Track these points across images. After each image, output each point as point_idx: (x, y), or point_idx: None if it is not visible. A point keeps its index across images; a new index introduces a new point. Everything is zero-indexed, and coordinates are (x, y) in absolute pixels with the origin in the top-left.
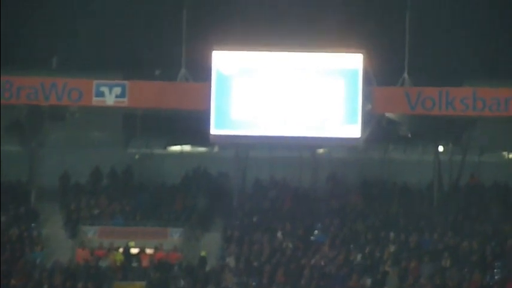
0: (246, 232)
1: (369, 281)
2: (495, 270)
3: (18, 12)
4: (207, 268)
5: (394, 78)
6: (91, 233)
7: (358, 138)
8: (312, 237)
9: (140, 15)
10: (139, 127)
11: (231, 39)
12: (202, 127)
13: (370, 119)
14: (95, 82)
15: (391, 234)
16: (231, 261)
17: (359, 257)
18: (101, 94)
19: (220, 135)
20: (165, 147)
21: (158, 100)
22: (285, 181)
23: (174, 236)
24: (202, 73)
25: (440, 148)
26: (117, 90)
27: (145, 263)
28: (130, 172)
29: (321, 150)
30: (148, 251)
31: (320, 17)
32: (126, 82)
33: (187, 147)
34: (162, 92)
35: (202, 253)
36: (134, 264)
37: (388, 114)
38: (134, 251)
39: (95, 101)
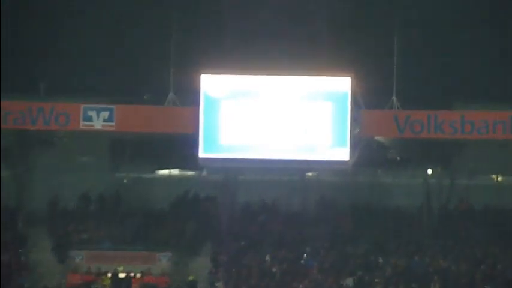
0: (235, 256)
1: None
2: None
3: (5, 37)
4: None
5: (382, 102)
6: (79, 258)
7: (346, 161)
8: (301, 261)
9: (128, 39)
10: (128, 151)
11: (220, 63)
12: (191, 151)
13: (358, 142)
14: (83, 106)
15: (380, 259)
16: (220, 286)
17: (348, 281)
18: (88, 118)
19: (209, 159)
20: (153, 172)
21: (146, 124)
22: (274, 205)
23: (163, 260)
24: (190, 97)
25: (429, 171)
26: (105, 114)
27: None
28: (119, 197)
29: (310, 174)
30: (137, 275)
31: (308, 40)
32: (113, 106)
33: (175, 171)
34: (150, 116)
35: (191, 277)
36: None
37: (377, 138)
38: (122, 275)
39: (83, 125)
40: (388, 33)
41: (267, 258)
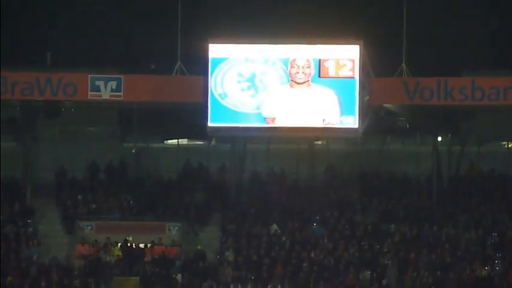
0: (244, 226)
1: (368, 274)
2: (496, 262)
3: (12, 9)
4: (206, 262)
5: (392, 69)
6: (88, 229)
7: (356, 129)
8: (310, 230)
9: (135, 10)
10: (136, 121)
11: (227, 32)
12: (199, 120)
13: (368, 110)
14: (90, 76)
15: (391, 227)
16: (229, 255)
17: (358, 249)
18: (96, 88)
19: (217, 127)
20: (161, 141)
21: (154, 94)
22: (282, 174)
23: (172, 230)
24: (198, 66)
25: (439, 139)
26: (113, 84)
27: (143, 257)
28: (127, 166)
29: (318, 142)
30: (147, 246)
31: (317, 8)
32: (121, 76)
33: (184, 141)
34: (158, 85)
35: (199, 247)
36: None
37: (386, 105)
38: (133, 245)
39: (91, 95)
40: (397, 1)
41: (276, 227)
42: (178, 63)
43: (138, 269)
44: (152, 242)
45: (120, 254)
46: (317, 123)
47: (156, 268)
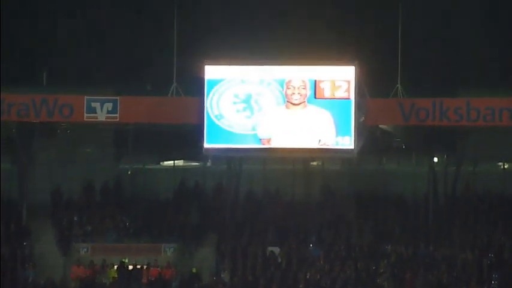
0: (240, 246)
1: None
2: (492, 282)
3: (9, 28)
4: (201, 284)
5: (387, 90)
6: (84, 250)
7: (351, 149)
8: (306, 251)
9: (131, 31)
10: (132, 142)
11: (223, 53)
12: (195, 141)
13: (363, 130)
14: (86, 98)
15: (387, 247)
16: (225, 275)
17: (354, 270)
18: (92, 110)
19: (213, 148)
20: (157, 162)
21: (150, 115)
22: (278, 194)
23: (168, 251)
24: (194, 87)
25: (435, 159)
26: (109, 105)
27: (139, 279)
28: (123, 187)
29: (314, 163)
30: (143, 267)
31: (312, 29)
32: (117, 98)
33: (180, 162)
34: (154, 106)
35: (194, 270)
36: (130, 281)
37: (382, 126)
38: (130, 267)
39: (87, 117)
40: (392, 21)
41: (273, 247)
42: (174, 84)
43: None
44: (148, 264)
45: (116, 276)
46: (313, 144)
47: None
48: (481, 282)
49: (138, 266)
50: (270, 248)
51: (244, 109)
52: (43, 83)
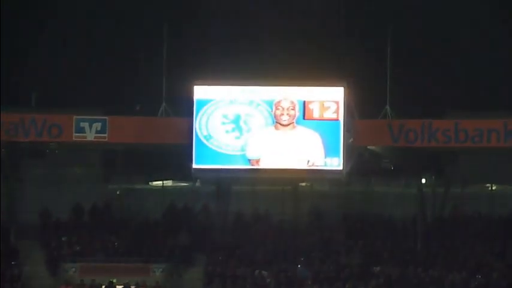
0: (229, 267)
1: None
2: None
3: None
4: None
5: (375, 111)
6: (72, 271)
7: (340, 170)
8: (295, 272)
9: (120, 51)
10: (120, 162)
11: (212, 73)
12: (184, 162)
13: (352, 151)
14: (75, 118)
15: (375, 268)
16: None
17: None
18: (81, 130)
19: (202, 169)
20: (146, 183)
21: (139, 135)
22: (267, 215)
23: (156, 272)
24: (183, 107)
25: (423, 180)
26: (98, 125)
27: None
28: (112, 208)
29: (303, 184)
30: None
31: (301, 50)
32: (106, 118)
33: (169, 182)
34: (143, 126)
35: None
36: None
37: (371, 147)
38: (119, 287)
39: (76, 136)
40: (380, 43)
41: (261, 269)
42: (164, 104)
43: None
44: (136, 284)
45: None
46: (302, 165)
47: None
48: None
49: (126, 286)
50: (258, 271)
51: (233, 130)
52: (31, 103)
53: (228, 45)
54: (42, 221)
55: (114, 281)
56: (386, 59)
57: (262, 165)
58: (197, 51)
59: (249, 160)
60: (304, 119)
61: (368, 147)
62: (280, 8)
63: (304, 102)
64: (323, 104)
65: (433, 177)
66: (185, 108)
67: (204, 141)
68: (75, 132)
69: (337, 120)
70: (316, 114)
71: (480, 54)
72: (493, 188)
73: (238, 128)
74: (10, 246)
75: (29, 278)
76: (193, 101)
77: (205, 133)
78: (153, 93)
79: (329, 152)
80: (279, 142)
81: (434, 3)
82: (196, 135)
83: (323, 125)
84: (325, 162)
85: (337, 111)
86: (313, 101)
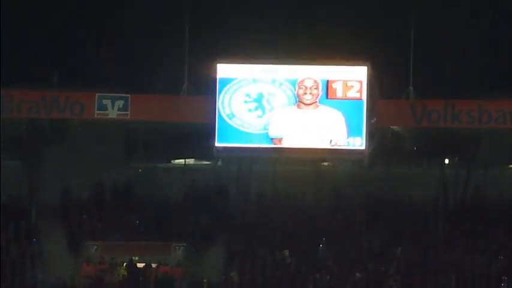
0: (250, 247)
1: None
2: (502, 285)
3: (19, 26)
4: (211, 283)
5: (399, 91)
6: (93, 249)
7: (363, 150)
8: (315, 253)
9: (143, 29)
10: (142, 141)
11: (235, 52)
12: (206, 141)
13: (374, 132)
14: (97, 95)
15: (397, 250)
16: (235, 276)
17: (363, 272)
18: (103, 107)
19: (224, 148)
20: (168, 161)
21: (161, 113)
22: (288, 195)
23: (178, 251)
24: (205, 86)
25: (446, 161)
26: (120, 103)
27: (148, 278)
28: (133, 186)
29: (324, 164)
30: (152, 266)
31: (324, 30)
32: (129, 95)
33: (191, 161)
34: (165, 105)
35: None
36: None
37: (393, 127)
38: (140, 265)
39: (98, 114)
40: (404, 22)
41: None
42: (186, 83)
43: None
44: (158, 262)
45: (126, 274)
46: (324, 145)
47: None
48: (489, 285)
49: (147, 264)
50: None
51: (256, 108)
52: (53, 82)
53: (252, 24)
54: (63, 199)
55: (136, 258)
56: (410, 39)
57: (285, 144)
58: (221, 29)
59: (272, 139)
60: (327, 98)
61: (391, 127)
62: None
63: (328, 81)
64: (346, 84)
65: (456, 158)
66: (208, 87)
67: (227, 119)
68: (97, 110)
69: (361, 99)
70: (339, 94)
71: (504, 34)
72: None
73: (261, 106)
74: (31, 223)
75: (50, 256)
76: (216, 80)
77: (228, 112)
78: (176, 72)
79: (352, 131)
80: (302, 121)
81: None
82: (219, 113)
83: (346, 105)
84: (348, 142)
85: (360, 91)
86: (336, 80)
